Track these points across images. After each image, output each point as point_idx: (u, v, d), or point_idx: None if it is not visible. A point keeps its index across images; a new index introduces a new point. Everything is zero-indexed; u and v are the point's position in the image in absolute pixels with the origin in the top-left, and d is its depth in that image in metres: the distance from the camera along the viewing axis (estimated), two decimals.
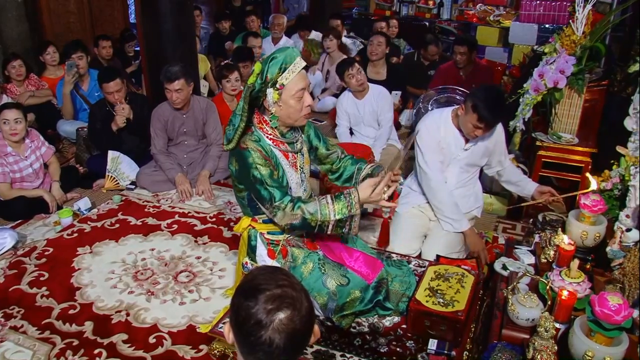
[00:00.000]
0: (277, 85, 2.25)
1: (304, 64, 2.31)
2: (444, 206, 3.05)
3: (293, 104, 2.30)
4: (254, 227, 2.53)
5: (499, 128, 3.07)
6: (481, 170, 3.27)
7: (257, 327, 1.20)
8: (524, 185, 3.17)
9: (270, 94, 2.27)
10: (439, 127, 3.05)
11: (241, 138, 2.33)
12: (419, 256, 3.11)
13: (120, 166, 4.23)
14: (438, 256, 2.93)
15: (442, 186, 3.05)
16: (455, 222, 3.04)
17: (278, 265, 2.46)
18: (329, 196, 2.33)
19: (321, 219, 2.28)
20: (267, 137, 2.38)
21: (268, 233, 2.52)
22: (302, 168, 2.52)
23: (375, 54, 5.33)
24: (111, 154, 4.23)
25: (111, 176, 4.20)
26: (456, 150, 3.04)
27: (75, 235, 3.56)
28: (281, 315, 1.20)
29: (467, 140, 3.02)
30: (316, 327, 1.30)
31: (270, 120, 2.36)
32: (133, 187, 4.19)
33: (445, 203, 3.04)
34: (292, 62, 2.25)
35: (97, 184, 4.24)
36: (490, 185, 3.82)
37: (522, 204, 3.42)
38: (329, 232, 2.33)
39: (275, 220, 2.35)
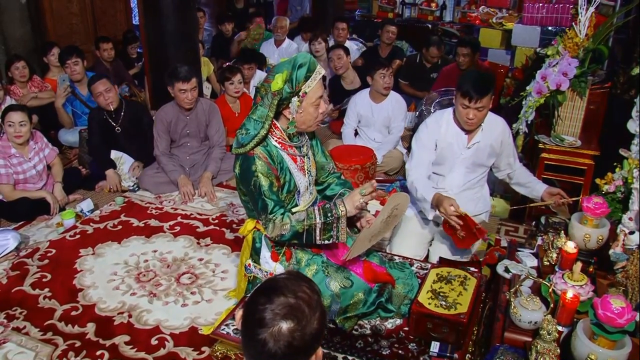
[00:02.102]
0: (301, 93, 2.28)
1: (323, 71, 2.35)
2: (419, 200, 2.99)
3: (311, 111, 2.34)
4: (258, 230, 2.53)
5: (503, 127, 3.06)
6: None
7: (257, 325, 1.21)
8: (533, 186, 3.14)
9: (294, 101, 2.30)
10: (440, 126, 3.06)
11: (256, 146, 2.33)
12: (426, 259, 3.11)
13: (123, 167, 4.24)
14: (441, 258, 2.93)
15: (420, 183, 3.00)
16: (424, 204, 2.96)
17: (282, 268, 2.46)
18: (316, 205, 2.43)
19: (308, 223, 2.32)
20: (276, 140, 2.39)
21: None
22: (309, 171, 2.53)
23: (340, 67, 5.33)
24: (114, 154, 4.25)
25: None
26: (459, 149, 3.04)
27: (78, 236, 3.56)
28: (283, 325, 1.20)
29: (469, 139, 3.02)
30: (320, 351, 1.30)
31: (288, 127, 2.37)
32: (136, 188, 4.20)
33: (420, 197, 2.98)
34: (315, 69, 2.29)
35: (100, 186, 4.24)
36: (492, 187, 3.82)
37: (530, 205, 3.37)
38: (318, 239, 2.35)
39: (267, 232, 2.39)
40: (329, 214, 2.33)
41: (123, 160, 4.27)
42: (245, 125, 2.35)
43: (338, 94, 5.40)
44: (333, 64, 5.33)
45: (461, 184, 3.11)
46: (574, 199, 3.02)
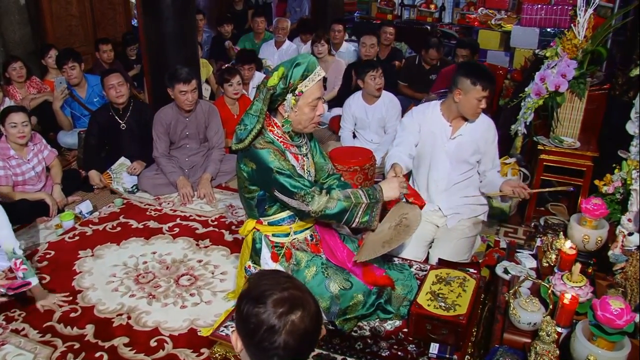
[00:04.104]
0: (297, 92, 2.29)
1: (323, 74, 2.36)
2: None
3: (307, 111, 2.34)
4: (258, 230, 2.53)
5: (489, 126, 3.05)
6: None
7: (270, 333, 1.21)
8: (494, 181, 3.05)
9: (289, 99, 2.31)
10: (425, 114, 3.09)
11: (254, 140, 2.34)
12: (426, 261, 3.11)
13: (123, 174, 4.24)
14: (440, 260, 2.93)
15: (392, 158, 2.96)
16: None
17: (281, 268, 2.46)
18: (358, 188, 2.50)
19: (355, 201, 2.37)
20: (278, 139, 2.40)
21: (273, 235, 2.52)
22: (309, 172, 2.54)
23: (370, 55, 5.38)
24: (123, 159, 4.26)
25: (109, 174, 4.21)
26: (442, 140, 3.04)
27: (77, 238, 3.56)
28: (292, 317, 1.21)
29: (453, 130, 3.03)
30: (323, 329, 1.33)
31: (283, 125, 2.38)
32: (135, 190, 4.19)
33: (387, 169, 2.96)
34: (314, 70, 2.30)
35: (99, 188, 4.24)
36: None
37: (497, 194, 3.15)
38: (357, 221, 2.39)
39: (309, 207, 2.33)
40: (372, 197, 2.41)
41: (126, 168, 4.28)
42: (244, 121, 2.37)
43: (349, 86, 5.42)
44: (365, 49, 5.52)
45: (447, 179, 3.10)
46: (535, 190, 2.96)
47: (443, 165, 3.08)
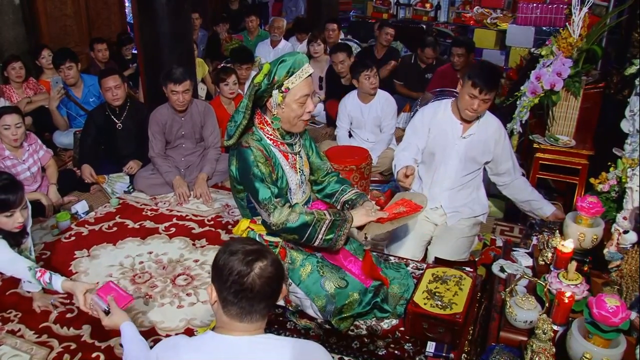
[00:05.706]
0: (283, 88, 2.30)
1: (311, 70, 2.36)
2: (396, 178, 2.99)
3: (295, 108, 2.34)
4: (252, 229, 2.53)
5: (498, 126, 3.06)
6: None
7: (241, 276, 1.45)
8: (541, 205, 3.15)
9: (276, 95, 2.31)
10: (436, 113, 3.08)
11: (242, 136, 2.37)
12: (423, 260, 3.11)
13: (117, 184, 4.23)
14: (436, 258, 2.93)
15: (400, 161, 2.97)
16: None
17: None
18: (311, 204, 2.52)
19: (317, 217, 2.36)
20: (268, 137, 2.41)
21: (267, 234, 2.52)
22: (301, 170, 2.54)
23: (343, 71, 5.20)
24: (124, 174, 4.28)
25: (106, 177, 4.20)
26: (453, 138, 3.05)
27: (73, 238, 3.55)
28: (260, 264, 1.47)
29: (464, 129, 3.03)
30: (284, 288, 1.56)
31: (272, 122, 2.39)
32: (131, 190, 4.18)
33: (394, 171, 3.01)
34: (300, 67, 2.30)
35: (95, 188, 4.23)
36: (487, 187, 3.82)
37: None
38: (320, 237, 2.36)
39: (270, 219, 2.33)
40: (338, 215, 2.41)
41: (124, 180, 4.26)
42: (234, 118, 2.40)
43: (335, 87, 5.36)
44: (336, 67, 5.24)
45: (453, 178, 3.10)
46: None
47: (452, 163, 3.08)
